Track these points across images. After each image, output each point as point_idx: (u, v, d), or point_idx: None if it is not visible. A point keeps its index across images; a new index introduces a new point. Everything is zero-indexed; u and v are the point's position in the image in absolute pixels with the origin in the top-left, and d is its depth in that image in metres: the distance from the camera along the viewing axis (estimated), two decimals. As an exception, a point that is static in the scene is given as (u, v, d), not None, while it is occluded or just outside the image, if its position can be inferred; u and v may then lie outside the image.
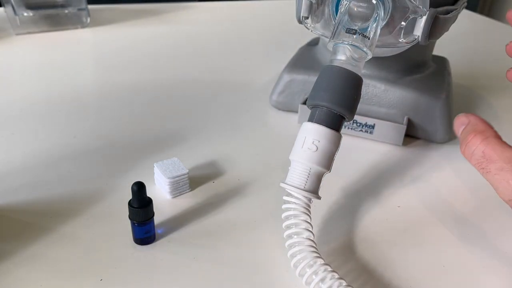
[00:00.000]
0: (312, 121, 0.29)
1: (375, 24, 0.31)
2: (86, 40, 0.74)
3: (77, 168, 0.40)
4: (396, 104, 0.45)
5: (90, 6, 0.82)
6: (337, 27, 0.32)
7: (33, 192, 0.37)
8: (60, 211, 0.35)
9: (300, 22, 0.37)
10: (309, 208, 0.29)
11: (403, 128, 0.44)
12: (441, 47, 0.55)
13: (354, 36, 0.31)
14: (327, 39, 0.33)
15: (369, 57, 0.31)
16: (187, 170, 0.37)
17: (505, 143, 0.28)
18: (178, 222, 0.34)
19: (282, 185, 0.30)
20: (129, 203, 0.31)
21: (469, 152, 0.28)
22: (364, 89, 0.39)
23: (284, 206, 0.30)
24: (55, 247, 0.32)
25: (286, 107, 0.51)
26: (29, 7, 0.73)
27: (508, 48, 0.37)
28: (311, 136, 0.29)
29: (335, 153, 0.29)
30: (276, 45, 0.74)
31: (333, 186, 0.39)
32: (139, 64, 0.64)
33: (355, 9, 0.32)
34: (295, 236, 0.29)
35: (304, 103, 0.47)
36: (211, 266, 0.31)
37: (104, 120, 0.49)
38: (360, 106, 0.34)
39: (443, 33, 0.37)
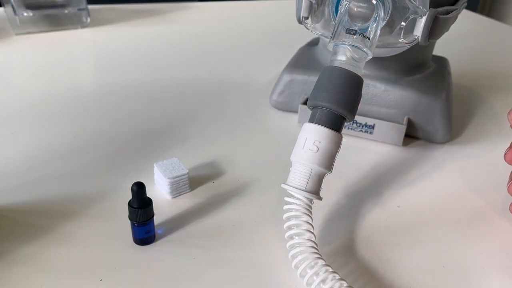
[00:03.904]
0: (313, 122, 0.29)
1: (375, 24, 0.31)
2: (86, 40, 0.74)
3: (77, 168, 0.40)
4: (396, 104, 0.45)
5: (90, 6, 0.82)
6: (337, 27, 0.32)
7: (33, 192, 0.37)
8: (60, 211, 0.35)
9: (300, 22, 0.37)
10: (310, 209, 0.29)
11: (403, 128, 0.44)
12: (441, 47, 0.55)
13: (354, 37, 0.31)
14: (327, 39, 0.33)
15: (369, 57, 0.31)
16: (187, 170, 0.37)
17: None
18: (178, 222, 0.34)
19: (283, 186, 0.30)
20: (129, 204, 0.31)
21: None
22: (364, 89, 0.39)
23: (285, 207, 0.30)
24: (55, 247, 0.32)
25: (286, 107, 0.51)
26: (29, 7, 0.73)
27: (507, 158, 0.35)
28: (312, 137, 0.29)
29: (336, 154, 0.29)
30: (276, 45, 0.74)
31: (334, 187, 0.39)
32: (139, 64, 0.64)
33: (355, 9, 0.32)
34: (297, 237, 0.29)
35: (304, 103, 0.47)
36: (211, 267, 0.31)
37: (104, 120, 0.48)
38: (360, 106, 0.34)
39: (443, 33, 0.37)
